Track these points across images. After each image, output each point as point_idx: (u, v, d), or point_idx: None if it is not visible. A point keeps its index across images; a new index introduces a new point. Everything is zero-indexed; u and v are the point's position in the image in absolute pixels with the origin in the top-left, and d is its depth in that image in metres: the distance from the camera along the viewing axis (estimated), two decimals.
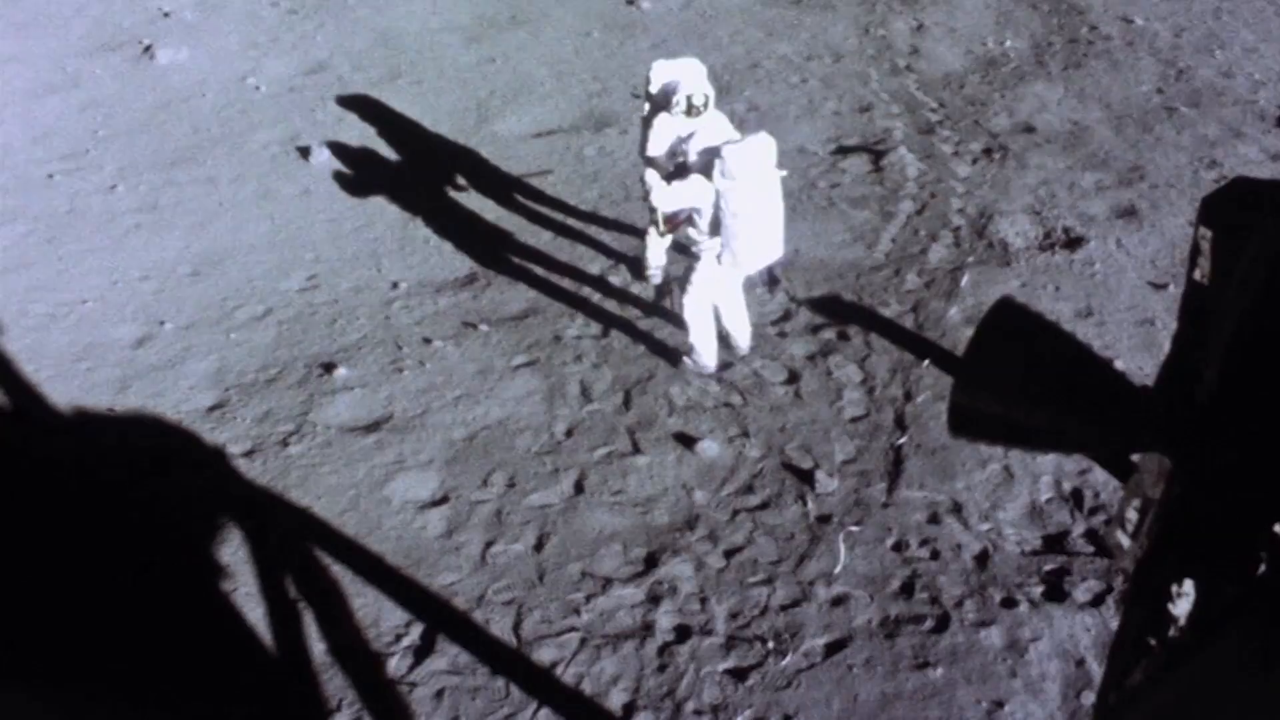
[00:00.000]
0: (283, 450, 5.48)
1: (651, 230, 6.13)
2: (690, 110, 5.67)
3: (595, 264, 6.80)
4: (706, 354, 5.81)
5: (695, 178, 5.34)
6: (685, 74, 5.78)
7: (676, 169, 5.61)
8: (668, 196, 5.40)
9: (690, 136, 5.47)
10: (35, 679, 4.41)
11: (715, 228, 5.37)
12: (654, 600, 4.67)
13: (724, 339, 5.90)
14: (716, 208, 5.29)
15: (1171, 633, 1.56)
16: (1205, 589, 1.52)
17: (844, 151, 7.87)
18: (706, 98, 5.69)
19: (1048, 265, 6.63)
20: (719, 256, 5.45)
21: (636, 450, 5.44)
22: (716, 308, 5.76)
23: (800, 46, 9.35)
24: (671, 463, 5.37)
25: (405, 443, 5.51)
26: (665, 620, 4.58)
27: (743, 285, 5.85)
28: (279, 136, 8.26)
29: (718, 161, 5.18)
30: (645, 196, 5.71)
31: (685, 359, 5.87)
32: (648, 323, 6.30)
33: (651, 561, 4.85)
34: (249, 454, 5.46)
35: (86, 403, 5.80)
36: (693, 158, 5.42)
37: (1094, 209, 7.13)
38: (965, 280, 6.50)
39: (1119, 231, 6.88)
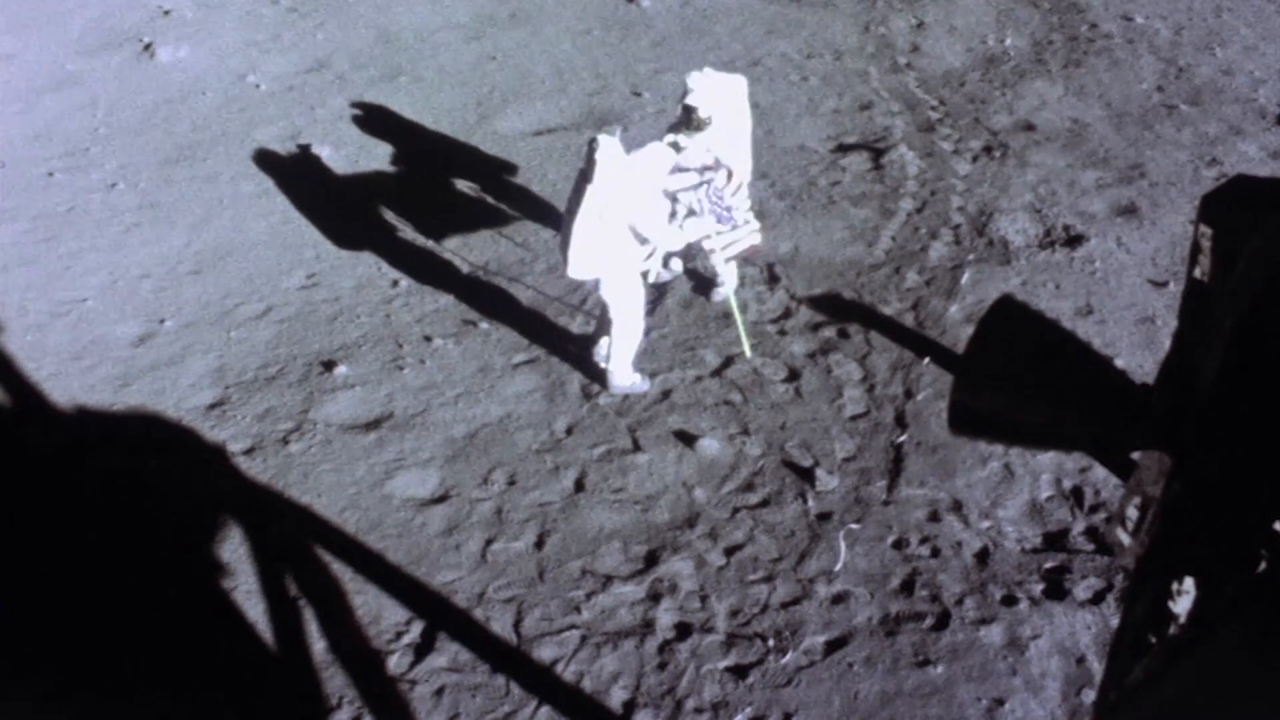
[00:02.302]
0: (283, 448, 5.48)
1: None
2: (690, 123, 5.58)
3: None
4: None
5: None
6: (708, 86, 5.61)
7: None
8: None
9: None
10: (34, 677, 4.41)
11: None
12: (654, 598, 4.67)
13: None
14: None
15: (1172, 630, 1.56)
16: (1205, 587, 1.52)
17: (844, 149, 7.87)
18: (707, 116, 5.55)
19: (1048, 263, 6.62)
20: None
21: (637, 448, 5.44)
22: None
23: (800, 44, 9.35)
24: (672, 460, 5.37)
25: (405, 440, 5.51)
26: (666, 618, 4.58)
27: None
28: (279, 134, 8.25)
29: None
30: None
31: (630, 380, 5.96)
32: (649, 320, 6.30)
33: (652, 559, 4.85)
34: (249, 452, 5.46)
35: (87, 400, 5.80)
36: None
37: (1094, 207, 7.12)
38: (965, 278, 6.50)
39: (1119, 229, 6.88)
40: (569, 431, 5.56)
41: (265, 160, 7.97)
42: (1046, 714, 4.18)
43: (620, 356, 5.66)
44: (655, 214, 5.40)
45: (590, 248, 5.26)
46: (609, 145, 5.11)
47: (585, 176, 5.14)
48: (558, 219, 7.22)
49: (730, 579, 4.76)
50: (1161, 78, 8.62)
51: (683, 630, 4.53)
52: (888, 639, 4.47)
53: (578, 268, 5.32)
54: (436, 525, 5.05)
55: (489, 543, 4.95)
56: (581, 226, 5.19)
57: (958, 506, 5.06)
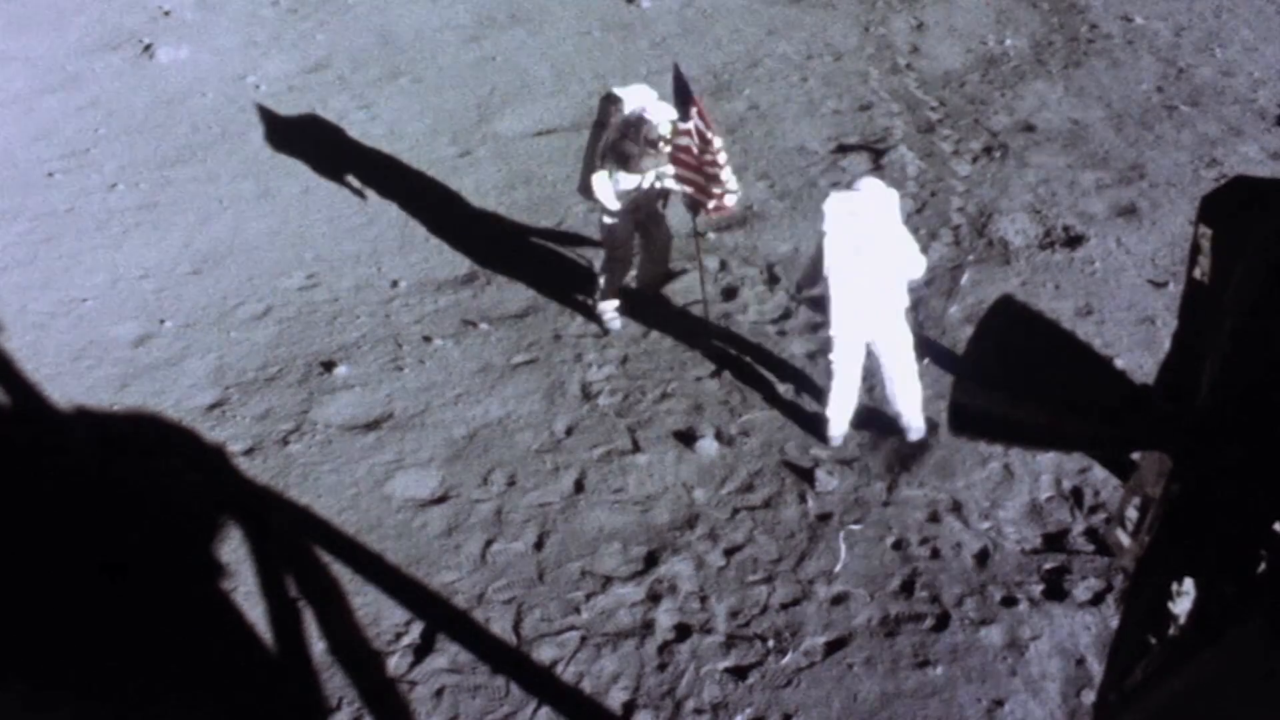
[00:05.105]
0: (283, 448, 5.47)
1: None
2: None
3: (596, 262, 6.80)
4: (832, 422, 5.34)
5: None
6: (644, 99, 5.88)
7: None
8: None
9: None
10: (34, 677, 4.41)
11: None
12: (654, 599, 4.67)
13: (893, 420, 5.37)
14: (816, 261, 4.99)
15: (1171, 631, 1.56)
16: (1205, 587, 1.52)
17: (844, 150, 7.87)
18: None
19: (1048, 264, 6.62)
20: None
21: (636, 449, 5.44)
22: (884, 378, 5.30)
23: (800, 45, 9.35)
24: (671, 461, 5.36)
25: (405, 441, 5.51)
26: (665, 619, 4.58)
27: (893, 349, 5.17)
28: (279, 135, 8.25)
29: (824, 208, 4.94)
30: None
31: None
32: (647, 320, 6.30)
33: (651, 560, 4.85)
34: (249, 452, 5.46)
35: (87, 401, 5.80)
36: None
37: (1094, 207, 7.12)
38: (965, 279, 6.49)
39: (1119, 230, 6.88)
40: (569, 432, 5.56)
41: (265, 161, 7.98)
42: (1046, 715, 4.17)
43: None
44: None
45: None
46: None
47: (868, 225, 4.98)
48: (557, 219, 7.23)
49: (730, 580, 4.76)
50: (1161, 78, 8.62)
51: (682, 631, 4.53)
52: (887, 640, 4.47)
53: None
54: (436, 526, 5.05)
55: (489, 543, 4.95)
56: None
57: (957, 507, 5.05)
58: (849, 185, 5.18)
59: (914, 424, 5.31)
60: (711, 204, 5.60)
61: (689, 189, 5.62)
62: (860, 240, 4.91)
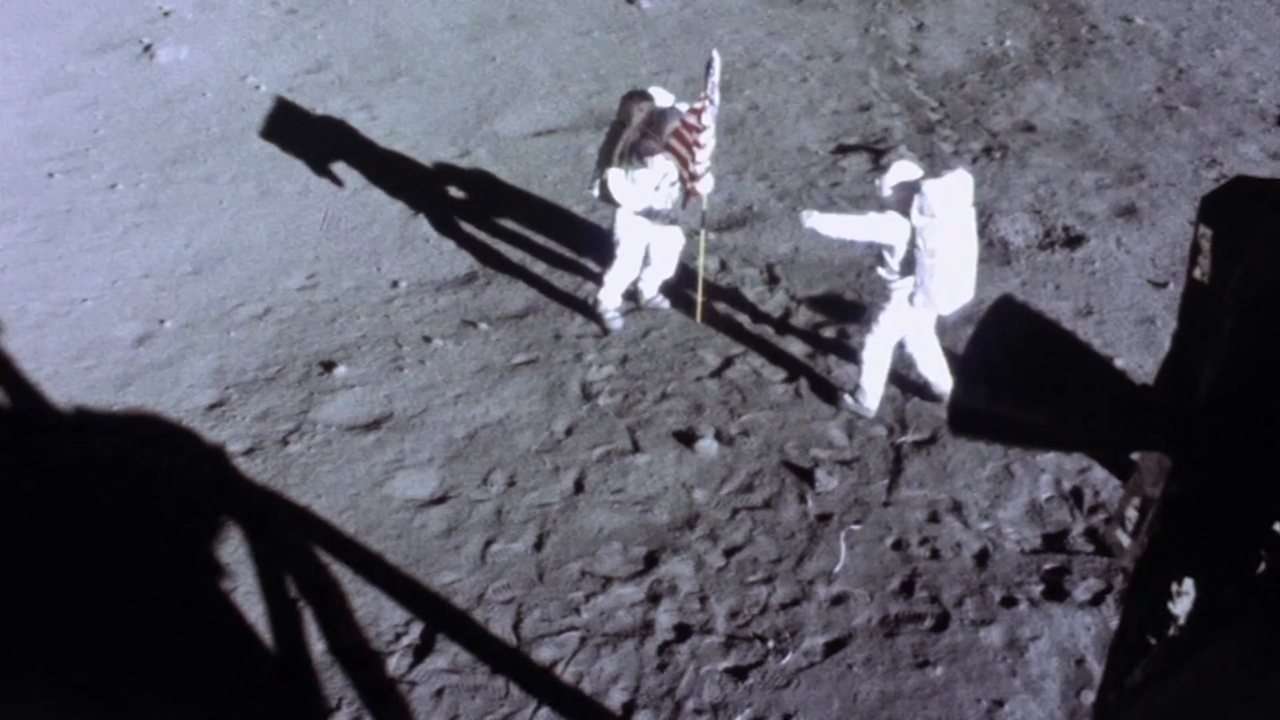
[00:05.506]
0: (282, 449, 5.47)
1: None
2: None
3: (595, 263, 6.81)
4: (872, 396, 5.54)
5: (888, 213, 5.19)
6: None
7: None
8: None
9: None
10: (34, 678, 4.41)
11: (908, 267, 5.16)
12: (654, 599, 4.67)
13: (922, 387, 5.65)
14: (911, 245, 5.08)
15: (1171, 631, 1.56)
16: (1205, 588, 1.52)
17: (844, 150, 7.87)
18: None
19: (1048, 264, 6.62)
20: (911, 297, 5.21)
21: (636, 449, 5.44)
22: (911, 353, 5.54)
23: (800, 46, 9.35)
24: (671, 461, 5.36)
25: (405, 441, 5.51)
26: (665, 619, 4.58)
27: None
28: (279, 135, 8.25)
29: (916, 197, 4.97)
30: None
31: (846, 397, 5.62)
32: (647, 320, 6.30)
33: (651, 560, 4.85)
34: (249, 452, 5.46)
35: (87, 401, 5.80)
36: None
37: (1094, 208, 7.12)
38: None
39: (1119, 230, 6.88)
40: (568, 432, 5.56)
41: (265, 161, 7.97)
42: (1046, 715, 4.18)
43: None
44: None
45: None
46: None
47: (963, 208, 5.13)
48: (556, 219, 7.23)
49: (730, 580, 4.76)
50: (1161, 79, 8.63)
51: (682, 631, 4.53)
52: (887, 640, 4.47)
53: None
54: (436, 526, 5.05)
55: (488, 544, 4.95)
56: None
57: (957, 507, 5.05)
58: (930, 173, 5.26)
59: (946, 386, 5.52)
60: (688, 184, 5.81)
61: (681, 164, 5.75)
62: (963, 222, 5.12)
